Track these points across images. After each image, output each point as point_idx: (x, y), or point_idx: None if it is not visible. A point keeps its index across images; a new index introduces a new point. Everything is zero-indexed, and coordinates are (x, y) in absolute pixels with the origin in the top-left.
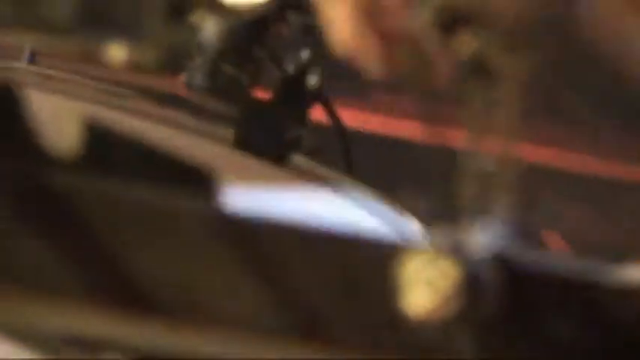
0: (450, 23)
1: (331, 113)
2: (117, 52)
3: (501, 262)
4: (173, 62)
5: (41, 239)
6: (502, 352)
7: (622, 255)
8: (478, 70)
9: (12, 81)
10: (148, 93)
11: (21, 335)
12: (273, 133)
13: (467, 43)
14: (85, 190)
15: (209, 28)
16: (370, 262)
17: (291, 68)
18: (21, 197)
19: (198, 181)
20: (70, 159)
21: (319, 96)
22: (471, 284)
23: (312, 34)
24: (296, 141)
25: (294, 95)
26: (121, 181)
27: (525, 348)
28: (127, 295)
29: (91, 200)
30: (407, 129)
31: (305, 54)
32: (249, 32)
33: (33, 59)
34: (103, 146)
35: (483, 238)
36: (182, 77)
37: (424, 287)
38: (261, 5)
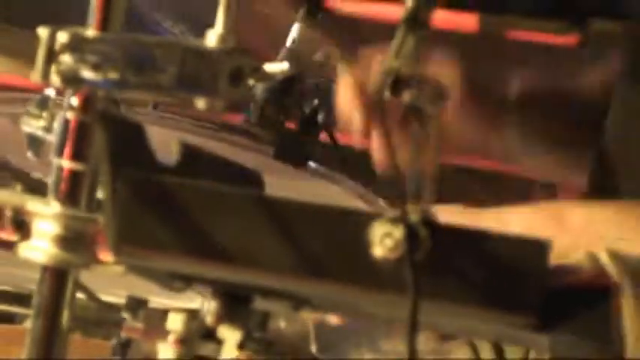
0: (395, 83)
1: (332, 137)
2: (201, 102)
3: (429, 224)
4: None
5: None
6: (428, 286)
7: None
8: (415, 112)
9: (140, 121)
10: (222, 126)
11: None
12: (297, 149)
13: (407, 96)
14: (183, 186)
15: (258, 86)
16: (352, 225)
17: (307, 110)
18: (143, 192)
19: (250, 179)
20: (173, 167)
21: (324, 127)
22: (411, 239)
23: (320, 89)
24: (310, 153)
25: (309, 127)
26: (204, 181)
27: (443, 282)
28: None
29: (188, 193)
30: None
31: (315, 102)
32: (281, 88)
33: (155, 107)
34: (192, 160)
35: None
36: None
37: (385, 240)
38: (286, 72)
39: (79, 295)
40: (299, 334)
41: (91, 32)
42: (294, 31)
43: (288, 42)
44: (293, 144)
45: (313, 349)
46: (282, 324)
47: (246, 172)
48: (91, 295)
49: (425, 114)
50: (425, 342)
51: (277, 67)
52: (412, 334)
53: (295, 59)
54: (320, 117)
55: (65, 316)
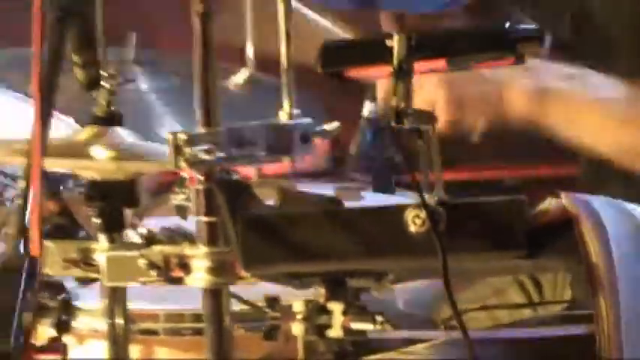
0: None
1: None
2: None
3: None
4: None
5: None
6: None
7: None
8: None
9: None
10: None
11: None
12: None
13: (407, 122)
14: (282, 215)
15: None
16: (393, 215)
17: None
18: (256, 225)
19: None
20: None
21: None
22: (432, 216)
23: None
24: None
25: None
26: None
27: (459, 241)
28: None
29: (286, 219)
30: None
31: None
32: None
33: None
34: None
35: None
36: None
37: (415, 220)
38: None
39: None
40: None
41: (200, 129)
42: None
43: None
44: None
45: (400, 306)
46: (375, 293)
47: (328, 197)
48: (242, 300)
49: (422, 132)
50: (483, 289)
51: None
52: (447, 282)
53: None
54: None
55: (227, 320)
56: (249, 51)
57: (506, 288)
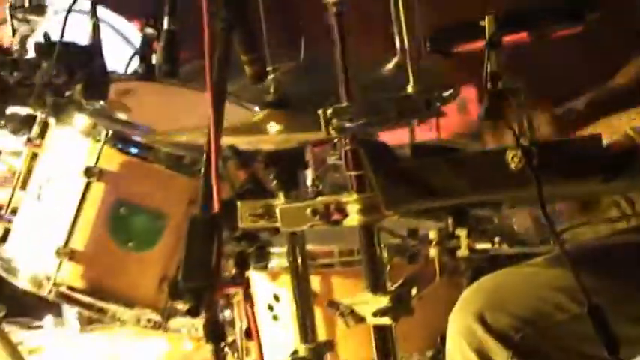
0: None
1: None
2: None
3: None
4: None
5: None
6: (544, 177)
7: None
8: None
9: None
10: None
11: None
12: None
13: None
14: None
15: None
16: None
17: None
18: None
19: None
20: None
21: None
22: (527, 155)
23: None
24: None
25: None
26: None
27: (552, 172)
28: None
29: (417, 166)
30: None
31: None
32: None
33: None
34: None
35: None
36: None
37: (514, 158)
38: None
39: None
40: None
41: (344, 104)
42: None
43: None
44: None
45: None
46: (513, 220)
47: (448, 146)
48: (390, 233)
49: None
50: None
51: None
52: (543, 207)
53: None
54: None
55: (381, 251)
56: (398, 41)
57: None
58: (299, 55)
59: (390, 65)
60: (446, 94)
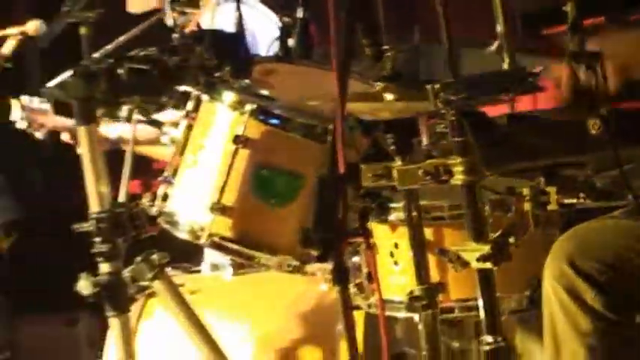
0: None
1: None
2: None
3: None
4: None
5: None
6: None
7: None
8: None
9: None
10: None
11: None
12: None
13: None
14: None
15: None
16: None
17: None
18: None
19: None
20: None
21: None
22: (605, 122)
23: None
24: None
25: None
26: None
27: (626, 135)
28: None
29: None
30: None
31: None
32: None
33: None
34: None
35: None
36: None
37: (594, 124)
38: None
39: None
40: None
41: (449, 80)
42: None
43: None
44: None
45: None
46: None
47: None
48: (490, 190)
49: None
50: None
51: None
52: (620, 168)
53: None
54: None
55: (483, 206)
56: (499, 26)
57: None
58: (413, 39)
59: (492, 47)
60: (537, 71)
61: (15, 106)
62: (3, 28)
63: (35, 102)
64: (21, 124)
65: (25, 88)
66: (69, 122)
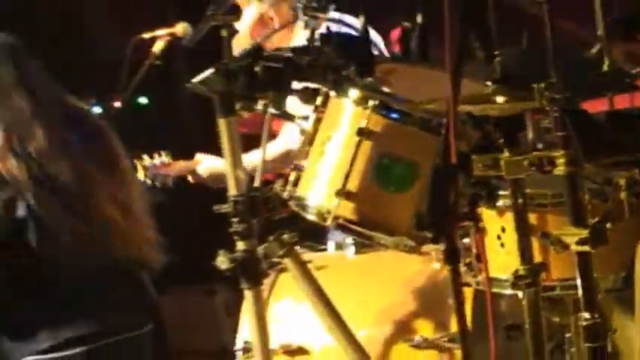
0: None
1: None
2: None
3: None
4: None
5: None
6: None
7: None
8: None
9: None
10: None
11: None
12: None
13: None
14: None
15: None
16: None
17: None
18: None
19: None
20: None
21: None
22: None
23: None
24: None
25: None
26: None
27: None
28: None
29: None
30: None
31: None
32: None
33: None
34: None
35: None
36: None
37: None
38: None
39: None
40: None
41: (553, 80)
42: None
43: None
44: None
45: None
46: None
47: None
48: (589, 179)
49: None
50: None
51: None
52: None
53: None
54: None
55: (582, 194)
56: (600, 30)
57: None
58: (522, 42)
59: (594, 49)
60: (635, 71)
61: (139, 167)
62: (154, 30)
63: (157, 159)
64: (146, 182)
65: (174, 86)
66: (191, 165)
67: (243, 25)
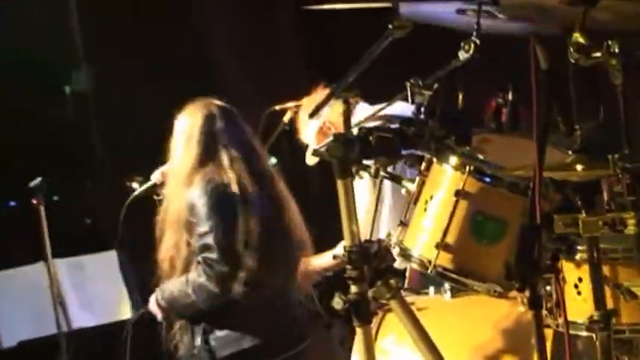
0: None
1: None
2: None
3: None
4: None
5: None
6: None
7: None
8: None
9: None
10: None
11: None
12: None
13: None
14: None
15: None
16: None
17: None
18: None
19: None
20: None
21: None
22: None
23: None
24: None
25: None
26: None
27: None
28: None
29: None
30: None
31: None
32: None
33: None
34: None
35: None
36: None
37: None
38: None
39: None
40: None
41: (625, 151)
42: None
43: None
44: None
45: None
46: None
47: None
48: None
49: None
50: None
51: None
52: None
53: None
54: None
55: None
56: None
57: None
58: (599, 115)
59: None
60: None
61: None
62: (285, 102)
63: None
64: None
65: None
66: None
67: (309, 138)
